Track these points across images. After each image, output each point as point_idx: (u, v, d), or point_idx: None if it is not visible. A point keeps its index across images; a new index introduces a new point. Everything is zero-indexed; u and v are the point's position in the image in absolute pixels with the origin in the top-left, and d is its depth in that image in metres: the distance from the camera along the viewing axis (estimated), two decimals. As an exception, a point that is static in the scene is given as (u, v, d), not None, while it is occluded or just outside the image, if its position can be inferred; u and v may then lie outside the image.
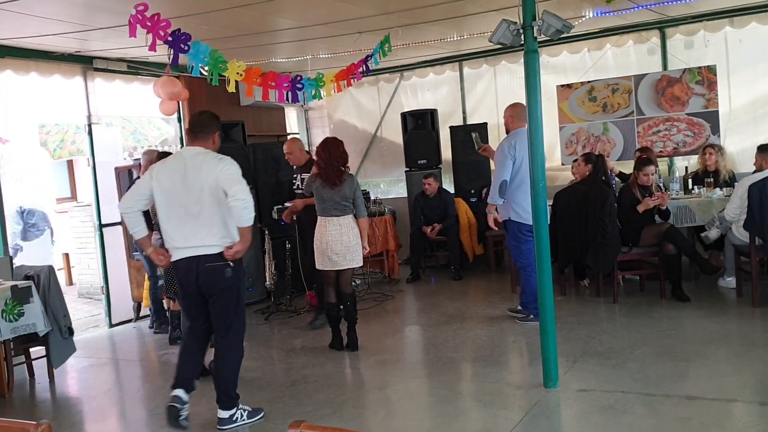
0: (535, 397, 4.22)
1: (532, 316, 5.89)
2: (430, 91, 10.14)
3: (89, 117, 7.51)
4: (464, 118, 9.83)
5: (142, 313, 7.61)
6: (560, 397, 4.25)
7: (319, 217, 5.54)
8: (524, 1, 4.19)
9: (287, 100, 4.95)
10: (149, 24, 3.68)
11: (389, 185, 10.79)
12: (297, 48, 7.52)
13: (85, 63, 7.38)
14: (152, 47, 3.87)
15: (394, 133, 10.04)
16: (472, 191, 9.05)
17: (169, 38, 3.81)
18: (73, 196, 11.87)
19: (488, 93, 9.71)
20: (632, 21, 8.19)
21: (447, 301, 7.22)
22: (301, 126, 10.83)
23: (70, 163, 11.48)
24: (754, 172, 6.19)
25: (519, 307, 6.14)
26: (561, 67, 9.12)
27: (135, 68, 7.69)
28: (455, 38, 7.65)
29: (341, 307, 5.66)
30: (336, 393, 4.65)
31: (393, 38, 6.46)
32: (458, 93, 9.89)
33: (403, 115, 9.36)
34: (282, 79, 4.78)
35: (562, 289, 6.99)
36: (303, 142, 8.59)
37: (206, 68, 4.14)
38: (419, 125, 9.32)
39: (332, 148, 5.46)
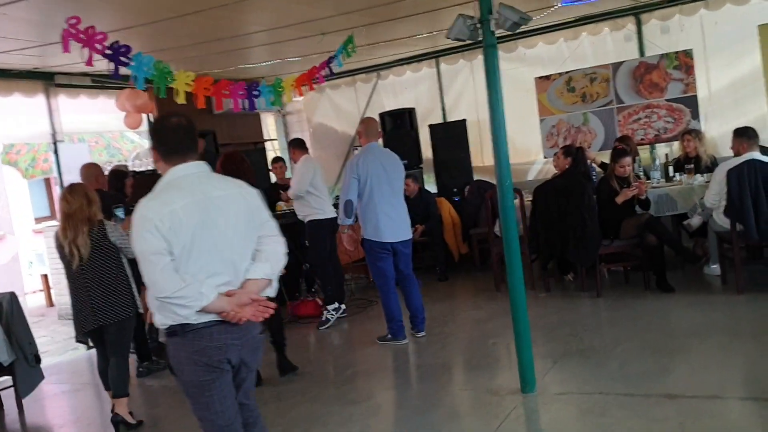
0: (512, 404, 4.07)
1: (389, 336, 5.72)
2: (409, 90, 9.99)
3: (54, 135, 7.35)
4: (444, 116, 9.69)
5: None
6: (538, 402, 4.10)
7: None
8: (479, -7, 4.03)
9: (243, 108, 4.78)
10: (83, 38, 3.52)
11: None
12: (266, 52, 7.36)
13: (47, 79, 7.22)
14: (89, 62, 3.71)
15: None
16: (455, 189, 8.90)
17: (107, 51, 3.65)
18: (53, 215, 11.69)
19: (467, 89, 9.55)
20: (607, 8, 8.05)
21: (431, 303, 7.02)
22: (279, 131, 10.68)
23: (47, 182, 11.31)
24: (733, 156, 6.04)
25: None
26: (538, 58, 8.97)
27: (100, 82, 7.51)
28: (426, 34, 7.49)
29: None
30: (311, 409, 4.50)
31: (360, 37, 6.32)
32: (437, 90, 9.74)
33: (382, 116, 9.21)
34: (236, 87, 4.62)
35: (547, 286, 6.84)
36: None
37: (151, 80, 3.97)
38: (398, 125, 9.18)
39: (237, 161, 4.93)
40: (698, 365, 4.34)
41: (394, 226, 5.60)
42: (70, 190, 4.46)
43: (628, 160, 6.39)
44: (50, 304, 9.83)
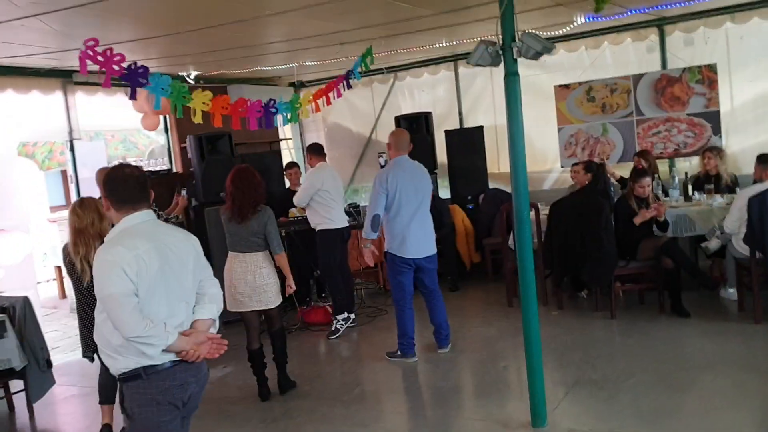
0: (522, 439, 4.03)
1: (398, 353, 5.70)
2: (426, 92, 9.90)
3: (71, 132, 7.34)
4: (461, 120, 9.60)
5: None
6: (548, 438, 4.06)
7: (229, 252, 5.12)
8: (503, 21, 3.95)
9: (261, 126, 4.74)
10: (101, 59, 3.48)
11: (386, 189, 10.55)
12: (284, 58, 7.32)
13: (65, 77, 7.20)
14: (106, 83, 3.67)
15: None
16: (469, 197, 8.82)
17: (125, 72, 3.61)
18: (68, 203, 11.76)
19: (485, 93, 9.44)
20: (630, 19, 7.90)
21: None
22: (295, 131, 10.63)
23: (63, 173, 11.36)
24: (754, 182, 5.93)
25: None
26: (559, 65, 8.84)
27: (117, 80, 7.46)
28: (445, 44, 7.40)
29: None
30: (317, 431, 4.48)
31: (378, 47, 6.24)
32: (454, 93, 9.64)
33: (397, 119, 9.11)
34: (254, 105, 4.57)
35: (560, 303, 6.78)
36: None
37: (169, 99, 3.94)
38: (413, 129, 9.05)
39: (249, 177, 4.97)
40: (711, 404, 4.26)
41: (420, 242, 5.56)
42: (81, 205, 4.38)
43: (647, 180, 6.29)
44: (63, 296, 9.89)
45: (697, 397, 4.42)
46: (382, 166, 7.56)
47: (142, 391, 2.70)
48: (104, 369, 4.78)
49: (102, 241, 4.33)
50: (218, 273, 7.70)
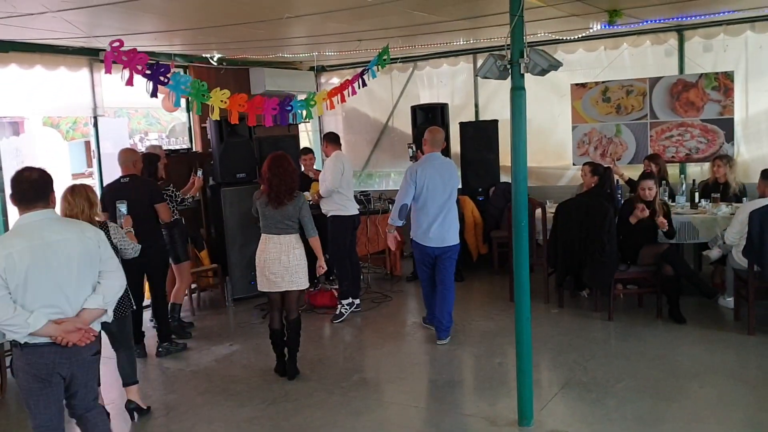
0: (507, 437, 4.23)
1: (428, 319, 6.35)
2: (444, 83, 9.99)
3: (95, 109, 7.56)
4: (476, 113, 9.69)
5: (145, 303, 7.70)
6: (532, 437, 4.25)
7: (262, 234, 5.42)
8: (513, 36, 4.07)
9: (276, 122, 4.91)
10: (125, 59, 3.66)
11: (400, 176, 10.64)
12: (305, 48, 7.47)
13: (92, 55, 7.40)
14: (129, 82, 3.86)
15: (405, 123, 9.89)
16: (480, 189, 8.95)
17: (147, 72, 3.79)
18: (89, 165, 12.09)
19: (502, 87, 9.44)
20: (652, 25, 7.93)
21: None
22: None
23: (87, 144, 11.64)
24: (760, 197, 6.03)
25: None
26: (576, 64, 8.90)
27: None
28: (463, 42, 7.49)
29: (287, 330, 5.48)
30: (313, 417, 4.70)
31: (396, 42, 6.35)
32: (472, 85, 9.72)
33: (413, 109, 9.23)
34: (269, 103, 4.74)
35: (561, 301, 6.94)
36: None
37: (188, 97, 4.12)
38: (429, 119, 9.18)
39: (285, 165, 5.23)
40: (694, 415, 4.40)
41: (442, 233, 5.97)
42: (72, 192, 4.35)
43: (650, 183, 6.38)
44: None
45: (683, 407, 4.56)
46: (411, 156, 7.71)
47: (18, 358, 3.26)
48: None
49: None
50: (232, 249, 7.93)
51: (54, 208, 3.37)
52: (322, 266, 5.45)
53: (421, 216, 5.97)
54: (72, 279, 3.22)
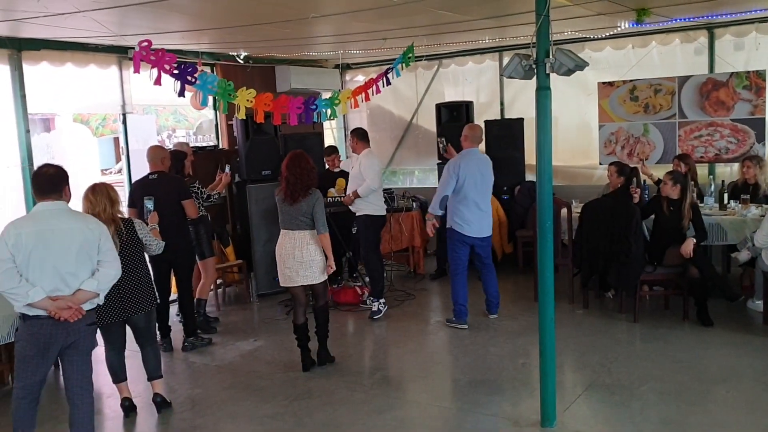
0: (529, 438, 4.22)
1: (454, 318, 6.50)
2: (469, 80, 9.96)
3: (123, 106, 7.67)
4: (502, 111, 9.65)
5: (172, 298, 7.79)
6: (555, 439, 4.24)
7: (281, 229, 5.53)
8: (538, 37, 4.05)
9: (300, 121, 4.95)
10: (153, 59, 3.71)
11: (424, 173, 10.72)
12: (330, 47, 7.50)
13: (121, 53, 7.50)
14: (157, 81, 3.91)
15: (430, 121, 9.89)
16: (505, 188, 8.89)
17: (175, 71, 3.84)
18: (117, 159, 12.26)
19: (528, 85, 9.35)
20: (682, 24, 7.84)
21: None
22: (338, 111, 10.79)
23: (115, 140, 11.81)
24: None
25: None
26: (604, 62, 8.83)
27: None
28: (488, 40, 7.46)
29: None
30: (336, 414, 4.73)
31: (421, 41, 6.35)
32: (497, 83, 9.68)
33: (438, 107, 9.21)
34: (294, 102, 4.77)
35: (585, 302, 6.89)
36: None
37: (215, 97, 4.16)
38: (454, 117, 9.16)
39: (302, 164, 5.30)
40: (720, 421, 4.35)
41: (480, 223, 6.42)
42: (93, 191, 4.49)
43: (667, 177, 6.40)
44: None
45: (708, 411, 4.50)
46: (442, 149, 7.74)
47: (22, 327, 3.74)
48: (111, 350, 4.98)
49: (114, 225, 4.55)
50: (257, 245, 7.98)
51: (68, 201, 3.80)
52: (331, 266, 5.48)
53: (461, 207, 6.34)
54: (70, 263, 3.66)
